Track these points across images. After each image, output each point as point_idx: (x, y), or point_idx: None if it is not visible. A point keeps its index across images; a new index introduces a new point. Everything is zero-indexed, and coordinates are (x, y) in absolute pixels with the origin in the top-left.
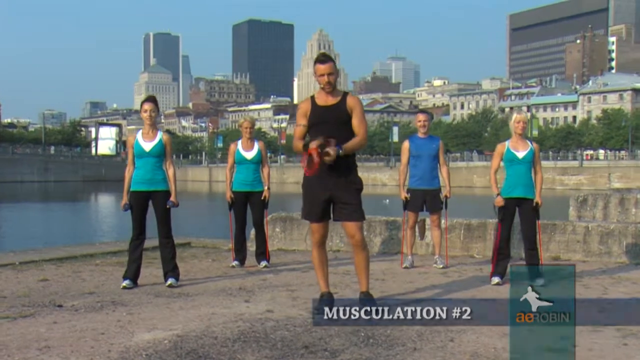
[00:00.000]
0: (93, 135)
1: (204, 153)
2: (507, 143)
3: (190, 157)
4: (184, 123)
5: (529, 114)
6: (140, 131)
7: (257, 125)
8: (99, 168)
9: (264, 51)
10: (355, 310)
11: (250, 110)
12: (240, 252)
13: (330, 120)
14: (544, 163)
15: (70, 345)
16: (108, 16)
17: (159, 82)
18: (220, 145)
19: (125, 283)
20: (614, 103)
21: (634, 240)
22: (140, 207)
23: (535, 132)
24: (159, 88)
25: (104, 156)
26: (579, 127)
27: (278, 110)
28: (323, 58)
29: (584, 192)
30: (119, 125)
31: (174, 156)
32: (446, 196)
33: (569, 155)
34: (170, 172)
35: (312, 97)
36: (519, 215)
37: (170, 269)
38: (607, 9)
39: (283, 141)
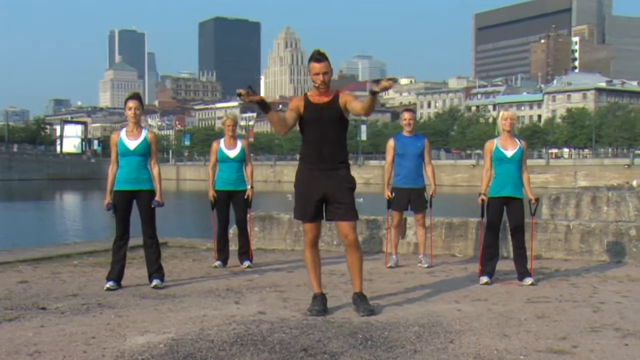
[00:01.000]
0: (58, 133)
1: (170, 151)
2: (495, 141)
3: None
4: (150, 121)
5: (514, 112)
6: (124, 129)
7: None
8: (64, 166)
9: (231, 49)
10: (349, 311)
11: (217, 108)
12: (222, 252)
13: (324, 119)
14: None
15: (61, 350)
16: (72, 12)
17: (124, 79)
18: (187, 143)
19: (109, 284)
20: (578, 102)
21: (615, 238)
22: (124, 206)
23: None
24: (124, 85)
25: (69, 154)
26: (544, 126)
27: (245, 108)
28: (318, 57)
29: (551, 190)
30: (84, 123)
31: None
32: (431, 195)
33: (534, 154)
34: (155, 171)
35: (306, 95)
36: (507, 215)
37: (155, 270)
38: (570, 9)
39: (251, 139)
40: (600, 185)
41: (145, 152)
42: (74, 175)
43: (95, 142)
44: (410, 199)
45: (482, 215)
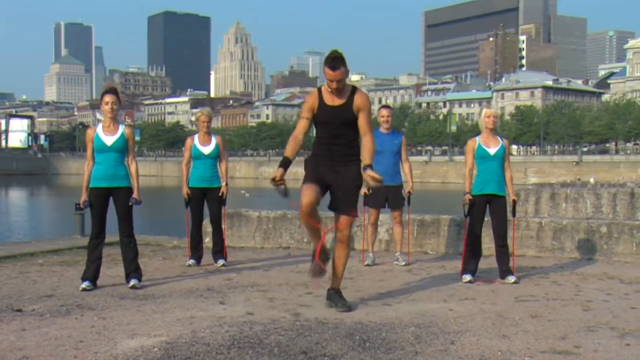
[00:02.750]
0: (3, 127)
1: None
2: (477, 139)
3: None
4: (98, 116)
5: (498, 110)
6: (100, 124)
7: (175, 118)
8: (10, 161)
9: (180, 44)
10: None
11: (168, 103)
12: (197, 251)
13: (336, 121)
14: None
15: (50, 355)
16: (16, 3)
17: (70, 73)
18: (137, 138)
19: (85, 285)
20: (526, 100)
21: (586, 235)
22: (100, 204)
23: (453, 128)
24: (71, 79)
25: (14, 149)
26: None
27: (196, 103)
28: (333, 64)
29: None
30: (30, 117)
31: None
32: (409, 192)
33: None
34: (133, 167)
35: (320, 92)
36: (490, 212)
37: (133, 270)
38: (517, 8)
39: None
40: (553, 182)
41: (122, 148)
42: (20, 170)
43: (42, 136)
44: (387, 196)
45: (466, 215)
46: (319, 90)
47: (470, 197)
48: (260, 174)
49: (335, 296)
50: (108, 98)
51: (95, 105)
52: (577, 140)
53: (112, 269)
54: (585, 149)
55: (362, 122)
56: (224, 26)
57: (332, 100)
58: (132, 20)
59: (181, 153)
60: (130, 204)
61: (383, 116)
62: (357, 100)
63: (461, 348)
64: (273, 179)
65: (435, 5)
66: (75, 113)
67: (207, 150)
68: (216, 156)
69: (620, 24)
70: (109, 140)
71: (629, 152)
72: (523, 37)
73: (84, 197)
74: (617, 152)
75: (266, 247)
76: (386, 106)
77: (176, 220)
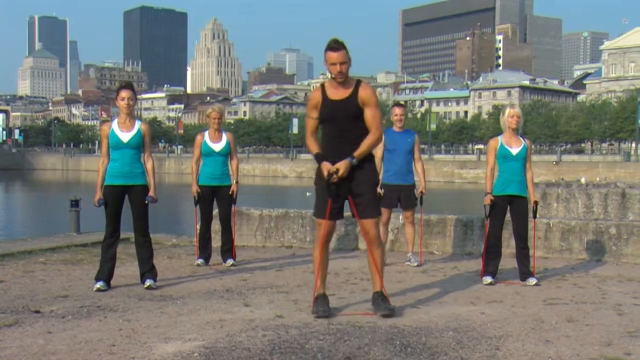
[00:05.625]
0: None
1: (97, 142)
2: (499, 138)
3: (81, 146)
4: (74, 111)
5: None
6: (116, 120)
7: (152, 114)
8: None
9: (157, 39)
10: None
11: (143, 98)
12: (205, 250)
13: (340, 116)
14: (444, 157)
15: None
16: None
17: (45, 67)
18: None
19: (99, 285)
20: (503, 99)
21: (595, 237)
22: (115, 202)
23: (433, 127)
24: (45, 74)
25: None
26: (472, 122)
27: (172, 99)
28: (335, 45)
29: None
30: (5, 112)
31: (64, 145)
32: (421, 192)
33: (461, 149)
34: (149, 164)
35: (323, 88)
36: (511, 213)
37: (148, 270)
38: (493, 8)
39: (181, 131)
40: (536, 181)
41: (139, 145)
42: None
43: (17, 131)
44: (400, 196)
45: (487, 216)
46: (322, 86)
47: (492, 198)
48: (239, 171)
49: (378, 299)
50: (124, 93)
51: (70, 100)
52: (553, 139)
53: (119, 268)
54: (561, 149)
55: (368, 116)
56: (201, 22)
57: (335, 94)
58: (107, 15)
59: (159, 148)
60: (146, 202)
61: (397, 115)
62: (362, 92)
63: (509, 354)
64: (329, 174)
65: (412, 4)
66: (50, 108)
67: (217, 147)
68: (227, 153)
69: (594, 25)
70: (125, 136)
71: (604, 152)
72: (500, 37)
73: (98, 195)
74: (592, 151)
75: (268, 246)
76: (400, 104)
77: (169, 217)
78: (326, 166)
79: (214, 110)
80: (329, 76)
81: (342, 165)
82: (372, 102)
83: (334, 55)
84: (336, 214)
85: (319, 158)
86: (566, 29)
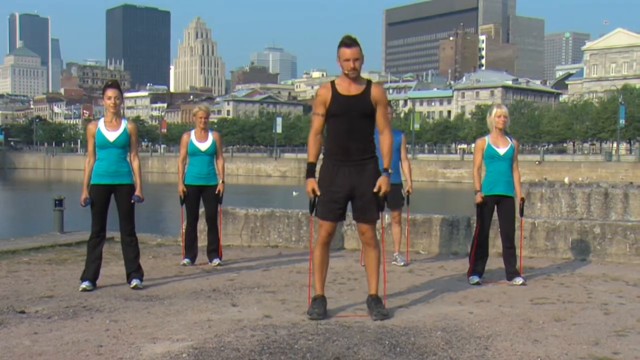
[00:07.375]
0: None
1: (79, 141)
2: (487, 138)
3: (63, 145)
4: (56, 109)
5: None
6: (102, 119)
7: (135, 113)
8: None
9: (139, 38)
10: (353, 311)
11: (127, 97)
12: (191, 250)
13: (352, 112)
14: (427, 156)
15: None
16: None
17: (26, 65)
18: None
19: (85, 285)
20: (486, 99)
21: (579, 236)
22: (102, 201)
23: (417, 126)
24: (26, 72)
25: None
26: (455, 122)
27: (155, 98)
28: (349, 41)
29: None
30: None
31: (46, 143)
32: (408, 192)
33: (444, 149)
34: (136, 164)
35: (333, 84)
36: (498, 213)
37: (135, 269)
38: (476, 8)
39: (164, 130)
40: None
41: (125, 144)
42: None
43: None
44: (387, 195)
45: (479, 215)
46: (332, 82)
47: (483, 195)
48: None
49: (372, 303)
50: (111, 92)
51: (52, 99)
52: (536, 139)
53: (104, 267)
54: (543, 149)
55: (380, 116)
56: (184, 20)
57: (348, 90)
58: (89, 13)
59: (142, 147)
60: (132, 201)
61: None
62: (374, 91)
63: (498, 354)
64: (314, 191)
65: (396, 4)
66: (32, 106)
67: (204, 146)
68: (213, 153)
69: (576, 26)
70: (112, 135)
71: (586, 152)
72: (483, 37)
73: (84, 194)
74: (574, 151)
75: (253, 246)
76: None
77: (152, 216)
78: (311, 183)
79: (200, 110)
80: (342, 72)
81: (383, 184)
82: (384, 101)
83: (348, 52)
84: (338, 216)
85: (308, 172)
86: (548, 30)
